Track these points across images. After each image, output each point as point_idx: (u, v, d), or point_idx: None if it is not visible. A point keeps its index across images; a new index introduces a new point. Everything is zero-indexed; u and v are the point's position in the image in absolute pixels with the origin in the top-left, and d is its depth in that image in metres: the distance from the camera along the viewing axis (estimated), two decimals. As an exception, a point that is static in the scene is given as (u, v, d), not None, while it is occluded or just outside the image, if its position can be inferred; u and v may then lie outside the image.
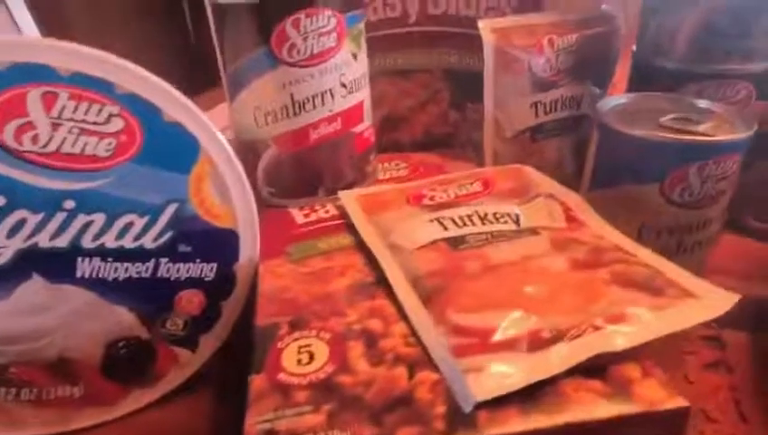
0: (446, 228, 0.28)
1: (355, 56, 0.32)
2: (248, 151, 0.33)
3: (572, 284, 0.24)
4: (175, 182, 0.26)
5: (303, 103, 0.31)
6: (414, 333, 0.22)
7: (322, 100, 0.31)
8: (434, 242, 0.27)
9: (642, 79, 0.38)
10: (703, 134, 0.29)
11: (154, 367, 0.28)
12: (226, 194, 0.27)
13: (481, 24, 0.36)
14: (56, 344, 0.26)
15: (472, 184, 0.33)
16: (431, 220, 0.29)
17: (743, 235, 0.42)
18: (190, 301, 0.28)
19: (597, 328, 0.21)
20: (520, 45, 0.37)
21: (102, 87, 0.23)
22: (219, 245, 0.28)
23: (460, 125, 0.43)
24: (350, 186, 0.35)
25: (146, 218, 0.25)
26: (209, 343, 0.29)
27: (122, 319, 0.27)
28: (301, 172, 0.33)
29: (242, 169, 0.27)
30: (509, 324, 0.21)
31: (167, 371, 0.28)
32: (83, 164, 0.24)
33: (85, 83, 0.23)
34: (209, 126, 0.26)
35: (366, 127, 0.34)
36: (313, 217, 0.32)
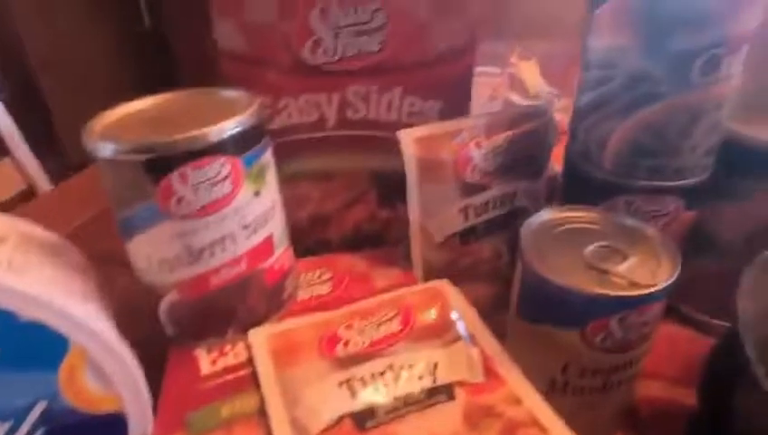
0: (354, 395, 0.26)
1: (258, 193, 0.29)
2: (148, 292, 0.30)
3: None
4: (42, 380, 0.23)
5: (201, 251, 0.28)
6: None
7: (223, 245, 0.28)
8: (340, 419, 0.25)
9: (574, 182, 0.37)
10: (624, 276, 0.28)
11: None
12: (107, 379, 0.24)
13: (402, 134, 0.34)
14: None
15: (391, 320, 0.31)
16: (340, 384, 0.27)
17: (680, 323, 0.41)
18: (75, 489, 0.25)
19: None
20: (444, 152, 0.35)
21: (-63, 303, 0.20)
22: (104, 430, 0.25)
23: (392, 223, 0.41)
24: (264, 318, 0.32)
25: (9, 423, 0.23)
26: None
27: None
28: (205, 315, 0.30)
29: (124, 349, 0.25)
30: None
31: None
32: (-76, 384, 0.21)
33: None
34: (77, 317, 0.23)
35: (276, 258, 0.32)
36: (220, 364, 0.30)
